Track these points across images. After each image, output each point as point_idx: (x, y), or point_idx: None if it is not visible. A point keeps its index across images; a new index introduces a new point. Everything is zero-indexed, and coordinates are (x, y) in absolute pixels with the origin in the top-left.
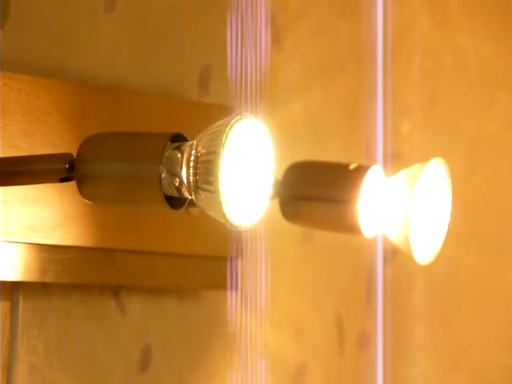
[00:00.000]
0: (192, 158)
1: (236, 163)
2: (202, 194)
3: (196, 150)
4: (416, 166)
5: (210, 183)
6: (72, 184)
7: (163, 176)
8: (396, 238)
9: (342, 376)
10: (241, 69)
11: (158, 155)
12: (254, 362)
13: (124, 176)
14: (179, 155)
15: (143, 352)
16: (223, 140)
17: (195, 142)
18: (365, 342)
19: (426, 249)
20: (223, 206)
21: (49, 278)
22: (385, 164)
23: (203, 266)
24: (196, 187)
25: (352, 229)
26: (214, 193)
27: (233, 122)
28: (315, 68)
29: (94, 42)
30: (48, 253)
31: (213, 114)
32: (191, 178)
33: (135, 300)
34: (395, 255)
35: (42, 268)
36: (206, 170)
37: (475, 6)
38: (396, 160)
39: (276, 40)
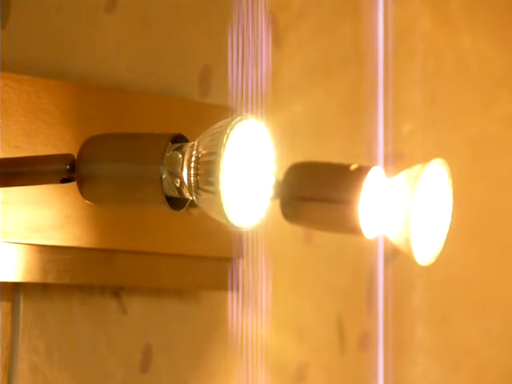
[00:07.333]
0: (193, 158)
1: (237, 164)
2: (203, 195)
3: (197, 151)
4: (417, 167)
5: (211, 184)
6: (73, 185)
7: (164, 177)
8: (397, 239)
9: (343, 376)
10: (242, 69)
11: (158, 156)
12: (255, 362)
13: (125, 177)
14: (180, 156)
15: (144, 352)
16: (224, 141)
17: (196, 142)
18: (365, 342)
19: (426, 250)
20: (224, 206)
21: (50, 279)
22: (386, 164)
23: (204, 266)
24: (197, 188)
25: (353, 229)
26: (215, 193)
27: (234, 122)
28: (316, 68)
29: (94, 42)
30: (49, 253)
31: (214, 114)
32: (192, 178)
33: (136, 300)
34: (396, 256)
35: (43, 269)
36: (206, 171)
37: (476, 6)
38: (397, 160)
39: (277, 40)
